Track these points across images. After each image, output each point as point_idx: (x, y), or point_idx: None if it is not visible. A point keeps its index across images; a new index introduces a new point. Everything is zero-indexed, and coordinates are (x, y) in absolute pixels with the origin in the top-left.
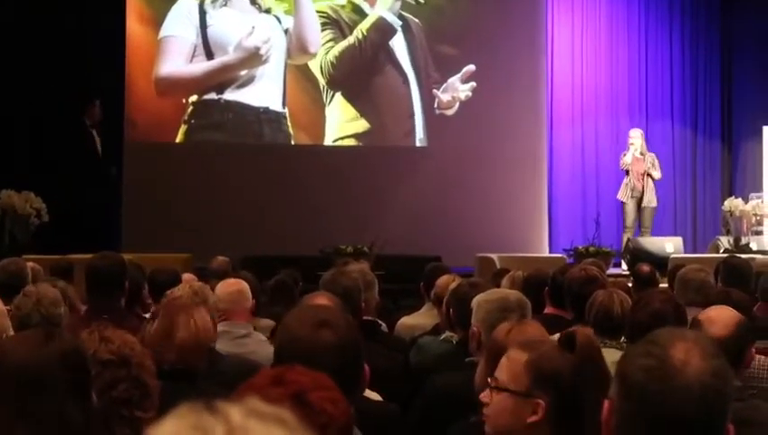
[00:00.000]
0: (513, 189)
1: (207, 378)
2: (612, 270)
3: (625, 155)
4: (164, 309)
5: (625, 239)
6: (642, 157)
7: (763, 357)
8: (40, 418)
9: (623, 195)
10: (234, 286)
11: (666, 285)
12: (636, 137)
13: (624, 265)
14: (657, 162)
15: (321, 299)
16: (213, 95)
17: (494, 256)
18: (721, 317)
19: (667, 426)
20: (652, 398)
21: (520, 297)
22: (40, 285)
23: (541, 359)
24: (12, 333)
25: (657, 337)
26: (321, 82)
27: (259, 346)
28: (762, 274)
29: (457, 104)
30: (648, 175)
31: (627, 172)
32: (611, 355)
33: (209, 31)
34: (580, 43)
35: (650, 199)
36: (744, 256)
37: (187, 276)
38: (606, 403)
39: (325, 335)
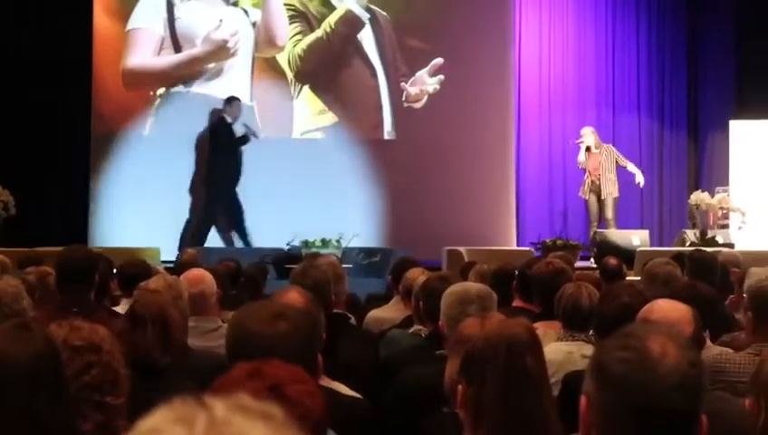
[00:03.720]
0: (481, 183)
1: (178, 372)
2: (580, 263)
3: (579, 153)
4: (137, 301)
5: (591, 232)
6: (598, 151)
7: (730, 350)
8: (5, 412)
9: (583, 192)
10: (198, 280)
11: (636, 278)
12: (586, 134)
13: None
14: (614, 152)
15: (292, 293)
16: (180, 88)
17: (462, 249)
18: (680, 316)
19: (648, 416)
20: (633, 389)
21: (481, 290)
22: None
23: (469, 348)
24: None
25: (632, 331)
26: (289, 75)
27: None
28: (726, 265)
29: (425, 97)
30: (624, 167)
31: (584, 169)
32: (581, 348)
33: (177, 24)
34: (547, 37)
35: (610, 191)
36: (709, 249)
37: (155, 270)
38: (582, 398)
39: (279, 326)
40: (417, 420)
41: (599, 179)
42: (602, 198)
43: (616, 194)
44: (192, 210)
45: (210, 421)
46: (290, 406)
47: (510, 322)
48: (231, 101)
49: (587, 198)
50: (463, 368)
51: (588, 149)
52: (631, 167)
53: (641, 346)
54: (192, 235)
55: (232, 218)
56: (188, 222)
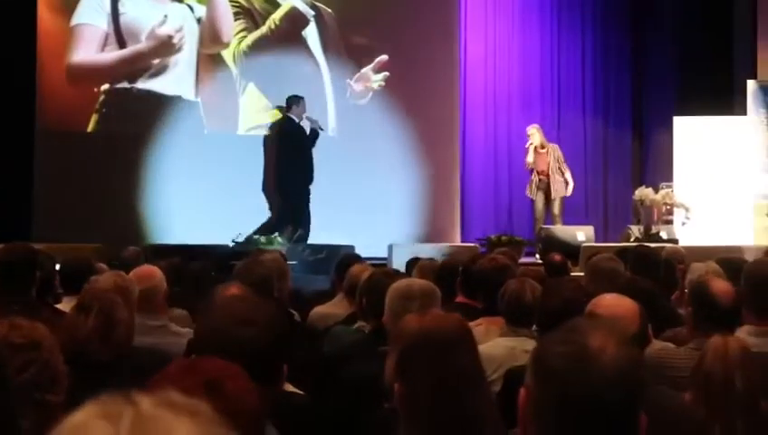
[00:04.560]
0: (426, 179)
1: (120, 368)
2: (526, 259)
3: (527, 154)
4: (83, 298)
5: (537, 228)
6: (544, 150)
7: (671, 345)
8: None
9: (530, 191)
10: (147, 277)
11: (581, 274)
12: (533, 134)
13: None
14: (560, 154)
15: (234, 290)
16: (125, 84)
17: (406, 245)
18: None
19: (586, 411)
20: (571, 383)
21: (425, 286)
22: None
23: (403, 345)
24: None
25: (573, 326)
26: (234, 71)
27: (174, 337)
28: (671, 261)
29: (370, 94)
30: (561, 173)
31: (532, 170)
32: (523, 344)
33: (121, 19)
34: (492, 35)
35: (558, 190)
36: (653, 244)
37: (98, 267)
38: (522, 392)
39: (243, 331)
40: (360, 415)
41: (547, 178)
42: (552, 198)
43: (565, 193)
44: (273, 209)
45: (136, 417)
46: (226, 402)
47: (444, 318)
48: (297, 100)
49: (534, 197)
50: (397, 365)
51: (535, 148)
52: (568, 176)
53: (581, 341)
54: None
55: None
56: (269, 221)
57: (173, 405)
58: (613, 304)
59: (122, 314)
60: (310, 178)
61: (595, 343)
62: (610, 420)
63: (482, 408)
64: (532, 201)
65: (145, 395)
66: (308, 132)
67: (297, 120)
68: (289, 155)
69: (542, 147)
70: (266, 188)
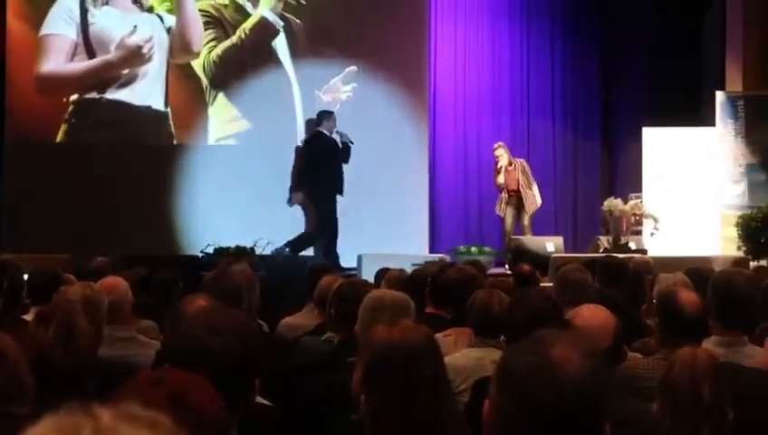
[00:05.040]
0: (396, 189)
1: (85, 380)
2: (496, 269)
3: (498, 175)
4: (44, 309)
5: (507, 239)
6: (512, 166)
7: (639, 355)
8: None
9: (500, 209)
10: (112, 288)
11: (550, 284)
12: (501, 154)
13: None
14: (527, 168)
15: (201, 301)
16: (94, 94)
17: (375, 254)
18: (600, 324)
19: (549, 421)
20: (533, 394)
21: (396, 297)
22: None
23: (369, 357)
24: None
25: (538, 337)
26: (204, 81)
27: (141, 348)
28: (640, 272)
29: (339, 105)
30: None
31: (502, 189)
32: (491, 354)
33: (91, 29)
34: (462, 46)
35: (531, 204)
36: (622, 255)
37: (67, 277)
38: (486, 402)
39: (213, 341)
40: (327, 427)
41: (517, 195)
42: (527, 212)
43: (537, 206)
44: (309, 222)
45: (95, 430)
46: (191, 414)
47: (411, 330)
48: (328, 115)
49: (503, 215)
50: (364, 377)
51: (504, 168)
52: (536, 189)
53: (545, 352)
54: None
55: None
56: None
57: (133, 418)
58: (589, 315)
59: (82, 323)
60: (340, 191)
61: (559, 354)
62: (574, 431)
63: (448, 419)
64: (502, 218)
65: (105, 408)
66: (340, 146)
67: (328, 134)
68: (320, 169)
69: (510, 164)
70: (292, 201)
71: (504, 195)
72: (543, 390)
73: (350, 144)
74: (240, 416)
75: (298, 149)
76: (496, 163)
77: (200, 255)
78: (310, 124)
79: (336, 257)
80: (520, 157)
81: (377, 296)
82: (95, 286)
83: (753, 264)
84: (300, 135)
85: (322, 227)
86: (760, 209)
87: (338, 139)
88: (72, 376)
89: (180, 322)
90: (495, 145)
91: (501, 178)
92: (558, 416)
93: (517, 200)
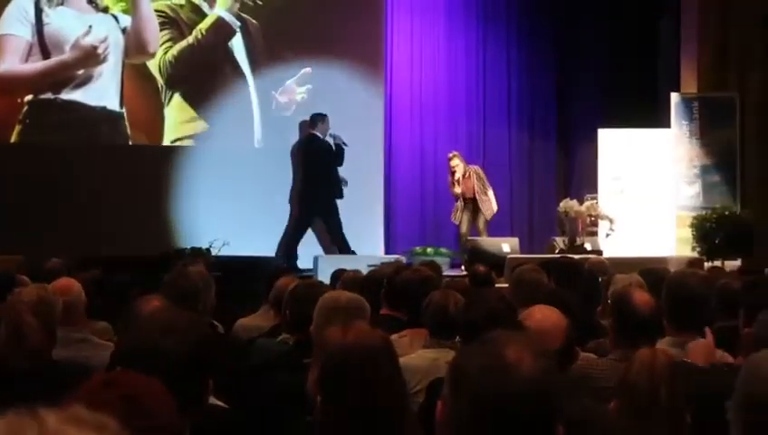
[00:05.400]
0: (351, 190)
1: (36, 381)
2: (452, 271)
3: (454, 185)
4: (0, 310)
5: (463, 241)
6: (467, 175)
7: (593, 356)
8: None
9: (456, 217)
10: (65, 289)
11: (506, 285)
12: (457, 163)
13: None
14: (482, 174)
15: (155, 302)
16: (49, 95)
17: (332, 256)
18: (552, 325)
19: (502, 422)
20: (487, 395)
21: (352, 299)
22: None
23: (323, 360)
24: None
25: (490, 338)
26: (160, 81)
27: (96, 350)
28: (595, 273)
29: (294, 106)
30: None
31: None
32: (446, 355)
33: (45, 30)
34: (419, 49)
35: (488, 210)
36: (578, 256)
37: (20, 279)
38: (439, 403)
39: (164, 342)
40: (282, 428)
41: (473, 203)
42: (485, 217)
43: (494, 211)
44: (295, 221)
45: (40, 434)
46: (143, 416)
47: (365, 332)
48: (322, 117)
49: (458, 222)
50: (319, 378)
51: (461, 177)
52: (491, 194)
53: (498, 353)
54: (287, 245)
55: (335, 229)
56: (285, 233)
57: (79, 421)
58: (541, 317)
59: (31, 322)
60: (338, 193)
61: (512, 355)
62: (527, 431)
63: (402, 420)
64: (458, 226)
65: (51, 411)
66: (333, 149)
67: (322, 137)
68: (314, 171)
69: (465, 173)
70: (291, 200)
71: (460, 203)
72: (497, 390)
73: (344, 146)
74: (193, 417)
75: (293, 153)
76: (453, 173)
77: (156, 255)
78: (303, 127)
79: (296, 258)
80: (476, 159)
81: (332, 298)
82: (49, 288)
83: (707, 264)
84: (257, 135)
85: (298, 227)
86: (714, 210)
87: (332, 141)
88: (24, 375)
89: (134, 323)
90: (450, 154)
91: (458, 189)
92: (511, 416)
93: (473, 206)
